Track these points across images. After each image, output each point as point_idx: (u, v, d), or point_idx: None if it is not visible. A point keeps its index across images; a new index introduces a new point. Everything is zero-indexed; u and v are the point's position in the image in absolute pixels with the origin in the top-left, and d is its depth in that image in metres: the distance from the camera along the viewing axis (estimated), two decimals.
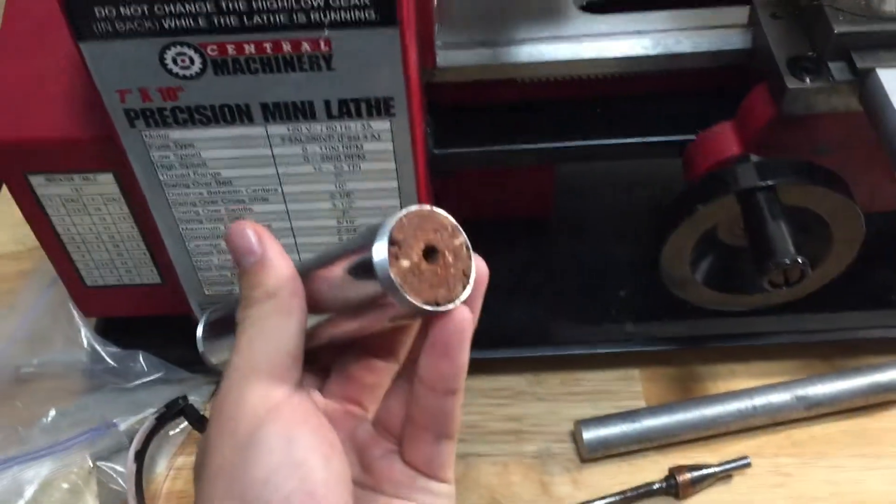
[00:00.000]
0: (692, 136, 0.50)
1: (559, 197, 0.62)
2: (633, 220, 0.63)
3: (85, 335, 0.56)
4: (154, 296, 0.54)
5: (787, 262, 0.41)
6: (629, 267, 0.60)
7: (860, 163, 0.47)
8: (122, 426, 0.53)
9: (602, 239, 0.62)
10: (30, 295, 0.59)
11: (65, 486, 0.50)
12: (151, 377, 0.56)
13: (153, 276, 0.53)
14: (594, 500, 0.51)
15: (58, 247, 0.51)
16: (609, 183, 0.66)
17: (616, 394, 0.57)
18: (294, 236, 0.49)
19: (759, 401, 0.53)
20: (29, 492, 0.48)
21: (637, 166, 0.66)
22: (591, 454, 0.53)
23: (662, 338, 0.58)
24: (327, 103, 0.42)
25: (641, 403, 0.56)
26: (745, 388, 0.54)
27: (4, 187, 0.72)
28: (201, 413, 0.54)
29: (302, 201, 0.47)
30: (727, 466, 0.51)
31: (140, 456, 0.50)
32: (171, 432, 0.55)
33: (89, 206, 0.49)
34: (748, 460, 0.52)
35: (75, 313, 0.55)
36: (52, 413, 0.54)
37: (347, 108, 0.42)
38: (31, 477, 0.48)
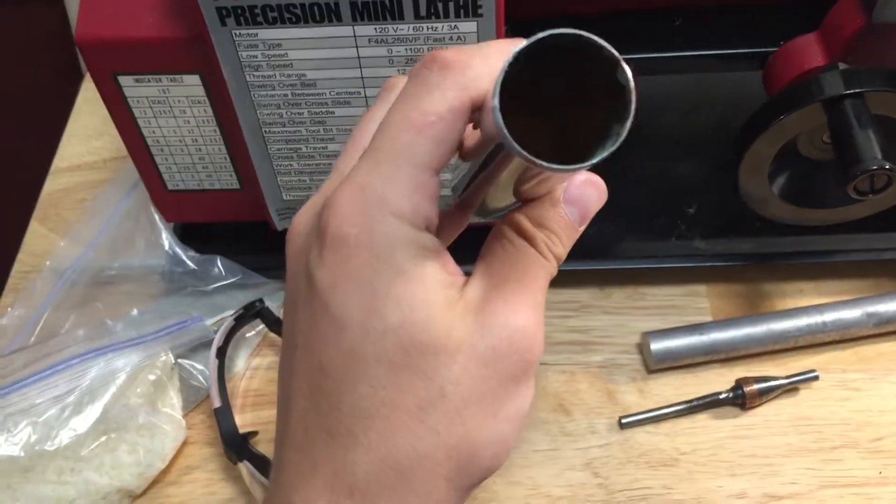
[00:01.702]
0: (774, 48, 0.49)
1: None
2: (701, 139, 0.63)
3: (165, 239, 0.57)
4: (233, 201, 0.55)
5: (875, 167, 0.41)
6: (697, 184, 0.60)
7: None
8: (199, 329, 0.55)
9: (670, 156, 0.62)
10: (110, 201, 0.61)
11: (150, 378, 0.52)
12: (229, 281, 0.57)
13: (233, 182, 0.54)
14: (661, 408, 0.52)
15: (142, 150, 0.52)
16: (675, 101, 0.66)
17: (682, 309, 0.57)
18: None
19: (828, 316, 0.53)
20: (119, 380, 0.50)
21: (702, 85, 0.66)
22: (658, 365, 0.54)
23: (730, 254, 0.58)
24: (415, 2, 0.42)
25: (708, 319, 0.56)
26: (814, 304, 0.55)
27: (79, 99, 0.74)
28: (277, 316, 0.56)
29: None
30: (794, 379, 0.52)
31: (221, 353, 0.52)
32: (248, 335, 0.57)
33: (175, 108, 0.50)
34: (816, 373, 0.52)
35: (156, 217, 0.57)
36: (135, 312, 0.56)
37: (435, 8, 0.42)
38: (121, 366, 0.50)
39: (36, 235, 0.65)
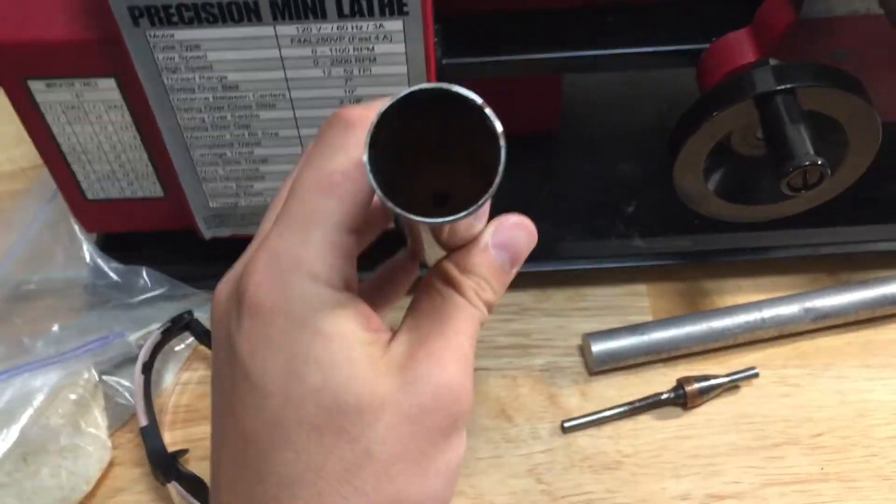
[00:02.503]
0: (706, 45, 0.49)
1: (565, 113, 0.61)
2: (639, 136, 0.63)
3: (86, 250, 0.55)
4: (157, 210, 0.53)
5: (807, 163, 0.40)
6: (636, 182, 0.60)
7: (878, 69, 0.46)
8: (124, 344, 0.53)
9: (608, 155, 0.62)
10: (28, 212, 0.58)
11: (72, 397, 0.49)
12: (155, 292, 0.55)
13: (156, 189, 0.52)
14: (603, 410, 0.51)
15: (58, 158, 0.50)
16: (614, 99, 0.65)
17: (623, 309, 0.57)
18: (302, 145, 0.48)
19: (767, 313, 0.53)
20: (38, 400, 0.47)
21: (641, 83, 0.66)
22: (599, 366, 0.53)
23: (669, 252, 0.57)
24: (338, 0, 0.40)
25: (648, 319, 0.56)
26: (753, 300, 0.54)
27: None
28: (206, 328, 0.54)
29: (310, 107, 0.46)
30: (735, 377, 0.52)
31: (147, 368, 0.50)
32: (177, 348, 0.55)
33: (90, 113, 0.48)
34: (755, 371, 0.52)
35: (76, 228, 0.54)
36: (56, 328, 0.54)
37: (359, 6, 0.41)
38: (39, 385, 0.48)
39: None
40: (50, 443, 0.48)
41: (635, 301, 0.57)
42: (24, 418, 0.47)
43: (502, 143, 0.24)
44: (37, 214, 0.58)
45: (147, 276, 0.55)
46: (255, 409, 0.26)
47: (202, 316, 0.54)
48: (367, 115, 0.25)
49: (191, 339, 0.55)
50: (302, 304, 0.26)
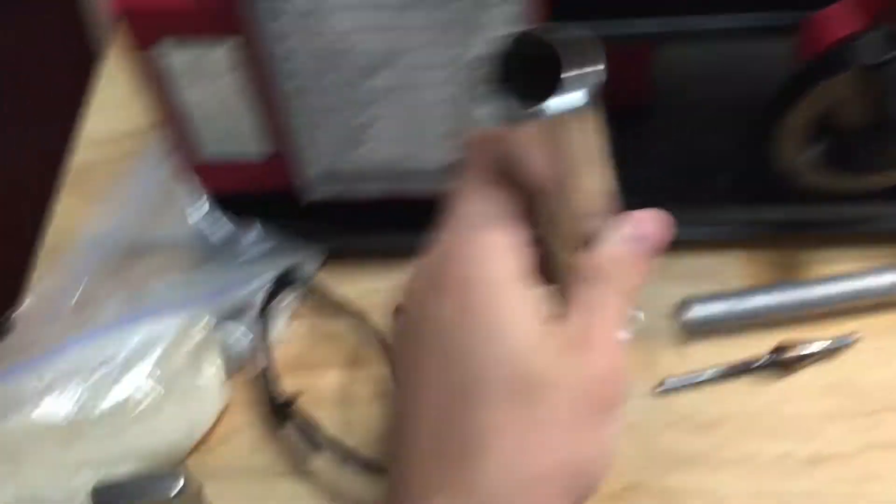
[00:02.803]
0: (807, 14, 0.49)
1: (657, 85, 0.62)
2: (734, 108, 0.63)
3: (198, 208, 0.57)
4: (267, 169, 0.55)
5: None
6: (730, 153, 0.60)
7: None
8: (238, 295, 0.55)
9: (703, 126, 0.62)
10: (142, 172, 0.61)
11: (191, 343, 0.51)
12: (264, 248, 0.57)
13: (267, 149, 0.54)
14: (701, 372, 0.52)
15: (174, 118, 0.52)
16: (706, 73, 0.66)
17: (716, 277, 0.57)
18: (413, 106, 0.49)
19: (868, 282, 0.54)
20: (160, 346, 0.50)
21: (735, 54, 0.66)
22: (696, 330, 0.54)
23: (763, 222, 0.58)
24: None
25: (741, 287, 0.56)
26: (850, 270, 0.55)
27: (103, 73, 0.74)
28: (314, 281, 0.56)
29: (422, 69, 0.47)
30: (834, 343, 0.52)
31: (263, 317, 0.52)
32: (286, 301, 0.57)
33: (208, 75, 0.50)
34: (856, 337, 0.52)
35: (190, 187, 0.56)
36: (170, 282, 0.56)
37: None
38: (163, 329, 0.50)
39: (66, 209, 0.65)
40: (172, 385, 0.50)
41: (729, 269, 0.58)
42: (150, 361, 0.50)
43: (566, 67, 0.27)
44: (150, 174, 0.60)
45: (256, 233, 0.57)
46: (457, 373, 0.31)
47: (310, 270, 0.56)
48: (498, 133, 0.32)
49: (299, 292, 0.57)
50: (498, 281, 0.31)
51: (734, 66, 0.65)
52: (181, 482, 0.44)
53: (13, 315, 0.56)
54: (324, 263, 0.58)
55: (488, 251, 0.32)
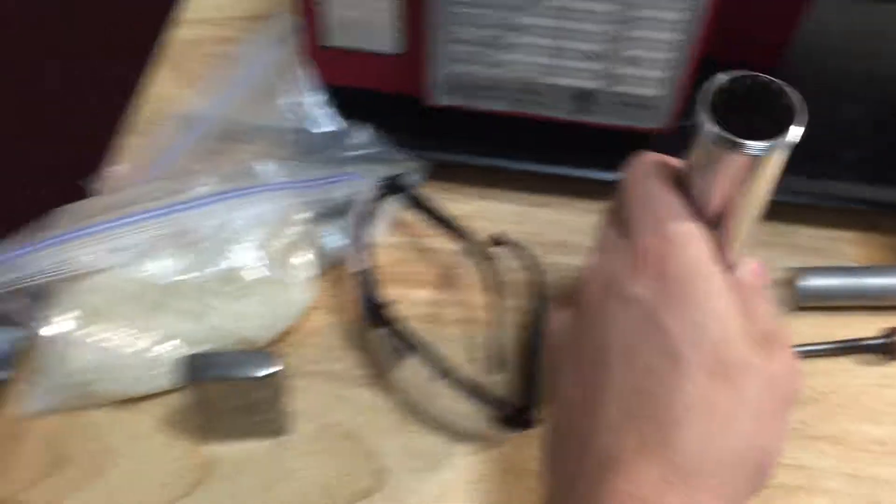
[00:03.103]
0: None
1: (797, 49, 0.60)
2: (869, 85, 0.61)
3: (310, 99, 0.55)
4: (390, 67, 0.53)
5: None
6: (861, 128, 0.58)
7: None
8: (340, 194, 0.53)
9: (834, 98, 0.60)
10: (253, 53, 0.59)
11: (290, 233, 0.50)
12: (370, 152, 0.55)
13: (395, 45, 0.52)
14: (802, 346, 0.50)
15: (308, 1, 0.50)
16: (848, 45, 0.63)
17: (826, 252, 0.55)
18: (562, 18, 0.47)
19: None
20: (262, 227, 0.48)
21: (881, 34, 0.63)
22: (803, 302, 0.52)
23: (885, 204, 0.56)
24: None
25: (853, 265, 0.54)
26: None
27: None
28: (415, 195, 0.54)
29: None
30: None
31: (363, 220, 0.50)
32: (383, 210, 0.55)
33: None
34: None
35: (304, 75, 0.54)
36: (269, 168, 0.54)
37: None
38: (265, 211, 0.49)
39: (163, 82, 0.63)
40: (265, 273, 0.48)
41: (839, 246, 0.56)
42: (250, 241, 0.48)
43: (797, 117, 0.31)
44: (262, 56, 0.58)
45: (364, 135, 0.55)
46: (657, 347, 0.32)
47: (413, 183, 0.55)
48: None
49: (394, 206, 0.55)
50: (703, 269, 0.33)
51: (877, 43, 0.63)
52: (273, 364, 0.42)
53: (103, 176, 0.54)
54: (431, 177, 0.56)
55: (689, 235, 0.33)
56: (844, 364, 0.51)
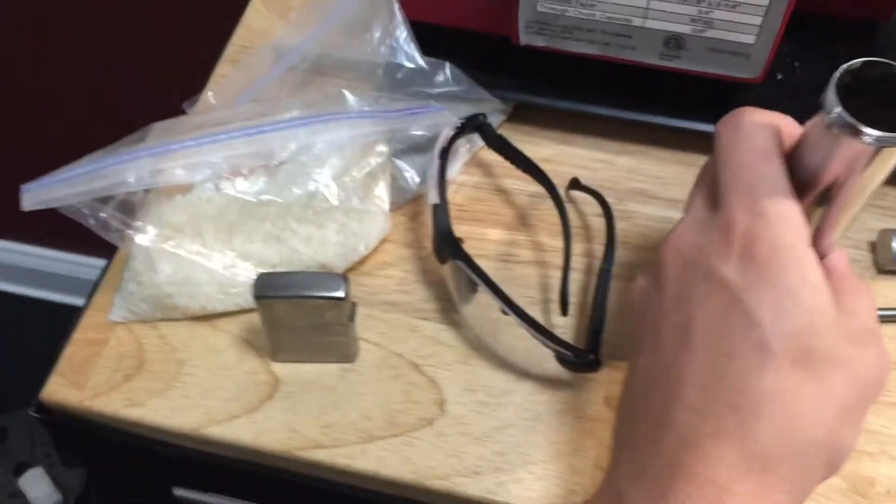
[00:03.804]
0: None
1: None
2: None
3: (400, 33, 0.55)
4: (479, 5, 0.53)
5: None
6: None
7: None
8: (419, 129, 0.54)
9: None
10: None
11: (368, 164, 0.51)
12: (453, 89, 0.55)
13: None
14: (887, 309, 0.49)
15: None
16: None
17: None
18: None
19: None
20: (345, 152, 0.49)
21: None
22: (892, 266, 0.50)
23: None
24: None
25: None
26: None
27: None
28: (496, 133, 0.54)
29: None
30: None
31: (444, 154, 0.50)
32: (462, 149, 0.55)
33: None
34: None
35: (396, 8, 0.55)
36: (352, 99, 0.55)
37: None
38: (353, 136, 0.49)
39: (257, 14, 0.65)
40: (344, 201, 0.49)
41: None
42: (328, 168, 0.49)
43: None
44: None
45: (449, 72, 0.55)
46: (742, 332, 0.31)
47: (494, 122, 0.54)
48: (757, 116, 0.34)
49: (475, 143, 0.55)
50: (797, 248, 0.31)
51: None
52: (342, 286, 0.43)
53: (192, 104, 0.56)
54: (513, 118, 0.56)
55: (783, 214, 0.31)
56: None
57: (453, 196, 0.54)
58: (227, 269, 0.48)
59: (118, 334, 0.49)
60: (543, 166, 0.54)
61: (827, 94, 0.30)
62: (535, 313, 0.49)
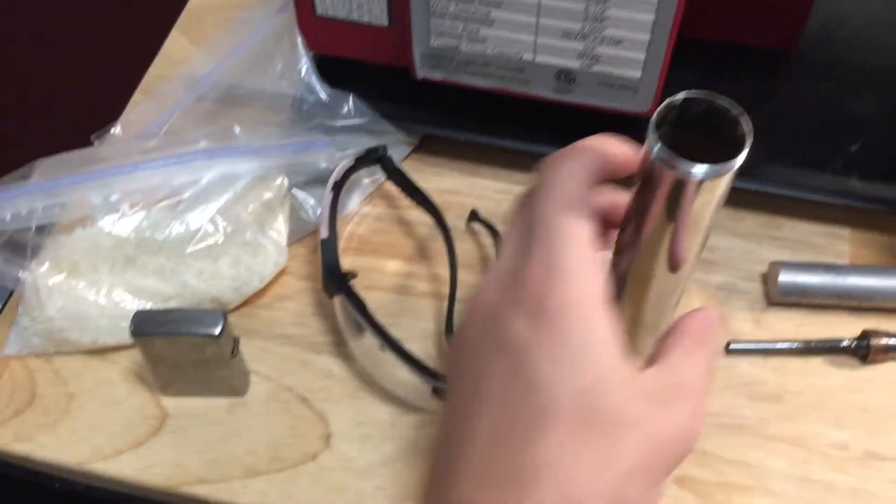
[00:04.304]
0: None
1: (807, 33, 0.57)
2: (881, 77, 0.58)
3: (303, 66, 0.56)
4: (378, 39, 0.54)
5: None
6: (867, 121, 0.56)
7: None
8: (322, 163, 0.54)
9: (843, 86, 0.58)
10: (254, 20, 0.60)
11: (264, 196, 0.51)
12: (356, 121, 0.56)
13: (383, 17, 0.52)
14: (775, 342, 0.49)
15: None
16: (862, 35, 0.60)
17: (819, 248, 0.53)
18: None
19: None
20: (238, 186, 0.50)
21: None
22: (781, 298, 0.50)
23: (885, 200, 0.53)
24: None
25: (844, 263, 0.52)
26: None
27: None
28: (397, 167, 0.54)
29: None
30: None
31: (337, 187, 0.51)
32: (364, 180, 0.56)
33: None
34: None
35: (299, 42, 0.55)
36: (252, 132, 0.55)
37: None
38: (242, 171, 0.50)
39: (175, 44, 0.65)
40: (237, 234, 0.50)
41: (834, 243, 0.54)
42: (222, 201, 0.50)
43: (746, 147, 0.28)
44: (262, 23, 0.59)
45: (353, 104, 0.56)
46: (524, 397, 0.29)
47: (395, 156, 0.55)
48: (572, 152, 0.32)
49: (378, 175, 0.56)
50: (586, 303, 0.29)
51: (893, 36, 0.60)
52: (219, 323, 0.43)
53: (102, 135, 0.56)
54: (417, 150, 0.56)
55: (579, 269, 0.30)
56: (816, 364, 0.49)
57: (356, 228, 0.55)
58: (121, 303, 0.49)
59: (12, 368, 0.49)
60: (449, 196, 0.54)
61: (648, 128, 0.30)
62: (429, 346, 0.50)
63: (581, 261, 0.30)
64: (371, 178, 0.56)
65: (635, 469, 0.29)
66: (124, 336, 0.49)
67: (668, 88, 0.50)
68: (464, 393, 0.31)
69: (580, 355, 0.29)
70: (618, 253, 0.34)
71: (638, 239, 0.32)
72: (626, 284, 0.34)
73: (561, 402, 0.28)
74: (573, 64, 0.50)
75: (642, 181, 0.32)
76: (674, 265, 0.33)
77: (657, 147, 0.29)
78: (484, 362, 0.30)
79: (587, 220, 0.31)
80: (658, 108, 0.30)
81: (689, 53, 0.50)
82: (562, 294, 0.29)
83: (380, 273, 0.53)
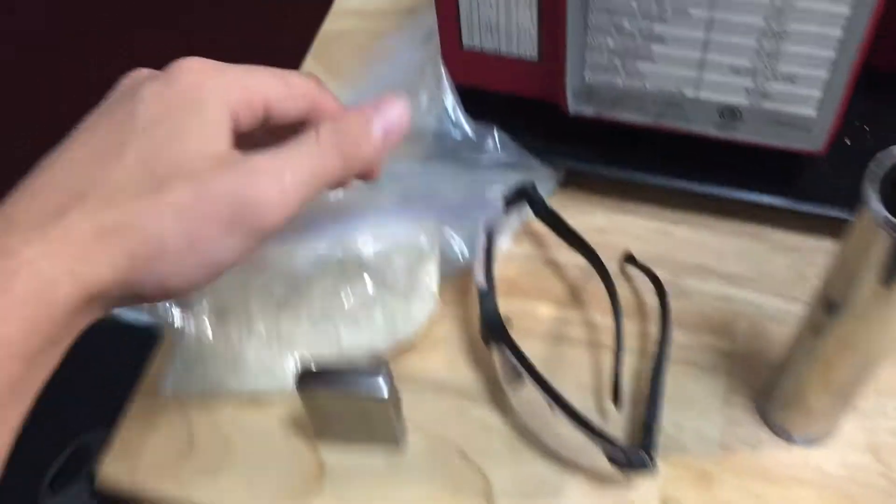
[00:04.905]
0: None
1: None
2: None
3: (448, 99, 0.54)
4: (527, 72, 0.52)
5: None
6: None
7: None
8: (467, 203, 0.53)
9: None
10: (397, 50, 0.59)
11: (417, 243, 0.50)
12: (501, 157, 0.54)
13: (533, 51, 0.50)
14: None
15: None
16: None
17: None
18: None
19: None
20: (390, 242, 0.48)
21: None
22: None
23: None
24: None
25: None
26: None
27: None
28: (545, 204, 0.52)
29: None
30: None
31: (490, 231, 0.49)
32: (510, 220, 0.54)
33: None
34: None
35: (444, 74, 0.54)
36: (402, 166, 0.54)
37: None
38: (392, 232, 0.49)
39: (310, 71, 0.64)
40: (390, 284, 0.48)
41: None
42: (370, 263, 0.48)
43: None
44: (406, 54, 0.58)
45: (498, 139, 0.54)
46: (131, 131, 0.33)
47: (543, 192, 0.53)
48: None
49: (525, 212, 0.54)
50: (203, 96, 0.34)
51: None
52: (385, 383, 0.42)
53: None
54: (565, 186, 0.54)
55: (219, 73, 0.35)
56: None
57: (504, 269, 0.53)
58: (275, 352, 0.48)
59: (169, 412, 0.49)
60: (597, 236, 0.52)
61: (863, 185, 0.28)
62: (587, 400, 0.48)
63: (220, 102, 0.34)
64: (517, 214, 0.54)
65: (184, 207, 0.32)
66: (279, 385, 0.48)
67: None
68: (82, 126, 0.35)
69: (182, 124, 0.33)
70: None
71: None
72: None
73: (149, 149, 0.33)
74: (740, 100, 0.47)
75: (855, 239, 0.30)
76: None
77: (878, 207, 0.27)
78: (108, 107, 0.35)
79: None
80: (871, 164, 0.28)
81: (863, 82, 0.47)
82: (200, 83, 0.34)
83: (532, 318, 0.51)
